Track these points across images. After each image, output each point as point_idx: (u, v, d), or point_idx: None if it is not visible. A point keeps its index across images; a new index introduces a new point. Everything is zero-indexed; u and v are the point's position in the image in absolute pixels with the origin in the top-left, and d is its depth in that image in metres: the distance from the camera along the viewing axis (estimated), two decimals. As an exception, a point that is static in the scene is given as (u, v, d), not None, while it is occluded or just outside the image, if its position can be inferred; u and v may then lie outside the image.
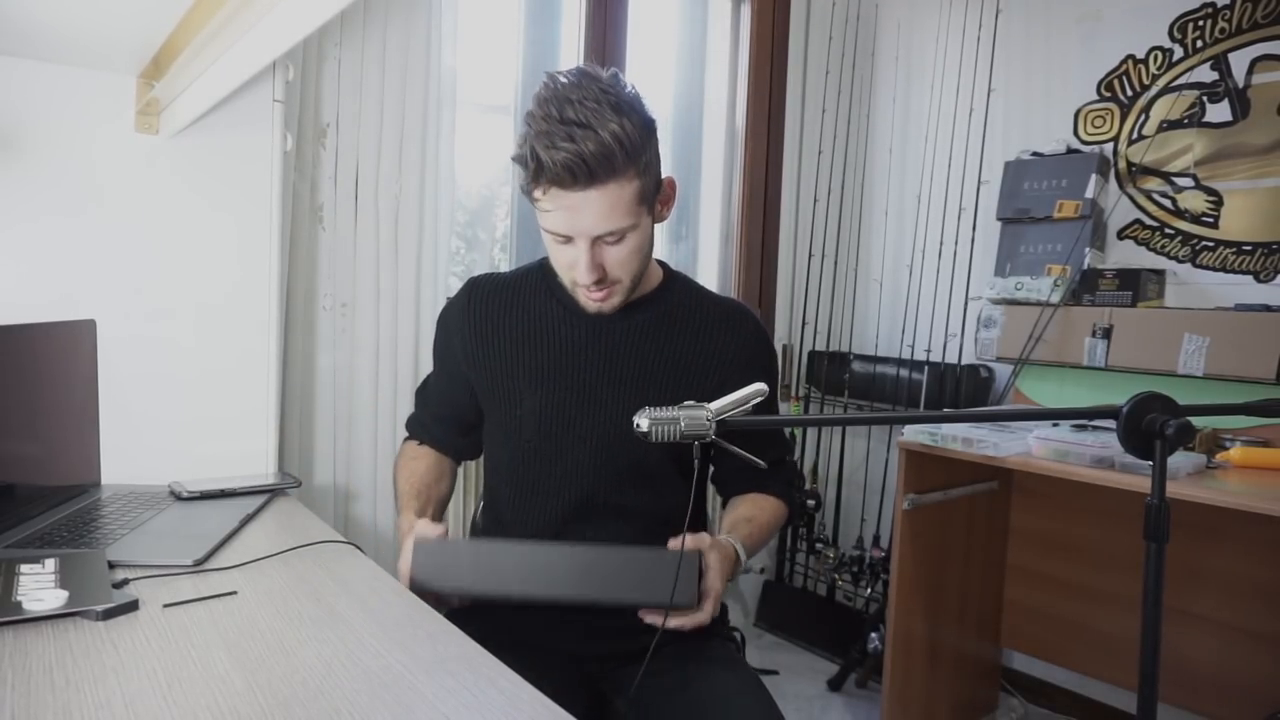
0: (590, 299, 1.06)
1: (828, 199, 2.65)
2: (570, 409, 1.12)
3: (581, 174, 0.94)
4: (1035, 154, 2.22)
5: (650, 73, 2.50)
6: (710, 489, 1.34)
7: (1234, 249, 1.96)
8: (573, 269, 1.03)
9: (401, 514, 1.16)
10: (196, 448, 1.41)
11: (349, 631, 0.85)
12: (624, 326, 1.14)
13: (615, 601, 0.97)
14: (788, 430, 2.60)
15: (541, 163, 0.94)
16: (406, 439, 1.30)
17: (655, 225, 1.08)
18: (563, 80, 0.97)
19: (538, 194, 0.98)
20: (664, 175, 1.07)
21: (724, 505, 1.27)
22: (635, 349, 1.14)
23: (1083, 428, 1.83)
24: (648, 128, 0.99)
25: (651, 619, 0.98)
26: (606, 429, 1.11)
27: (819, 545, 2.55)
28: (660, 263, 1.20)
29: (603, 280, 1.03)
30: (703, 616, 0.99)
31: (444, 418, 1.25)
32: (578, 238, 1.00)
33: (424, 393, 1.30)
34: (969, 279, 2.34)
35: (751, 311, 1.24)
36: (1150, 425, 0.77)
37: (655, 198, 1.05)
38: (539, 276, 1.18)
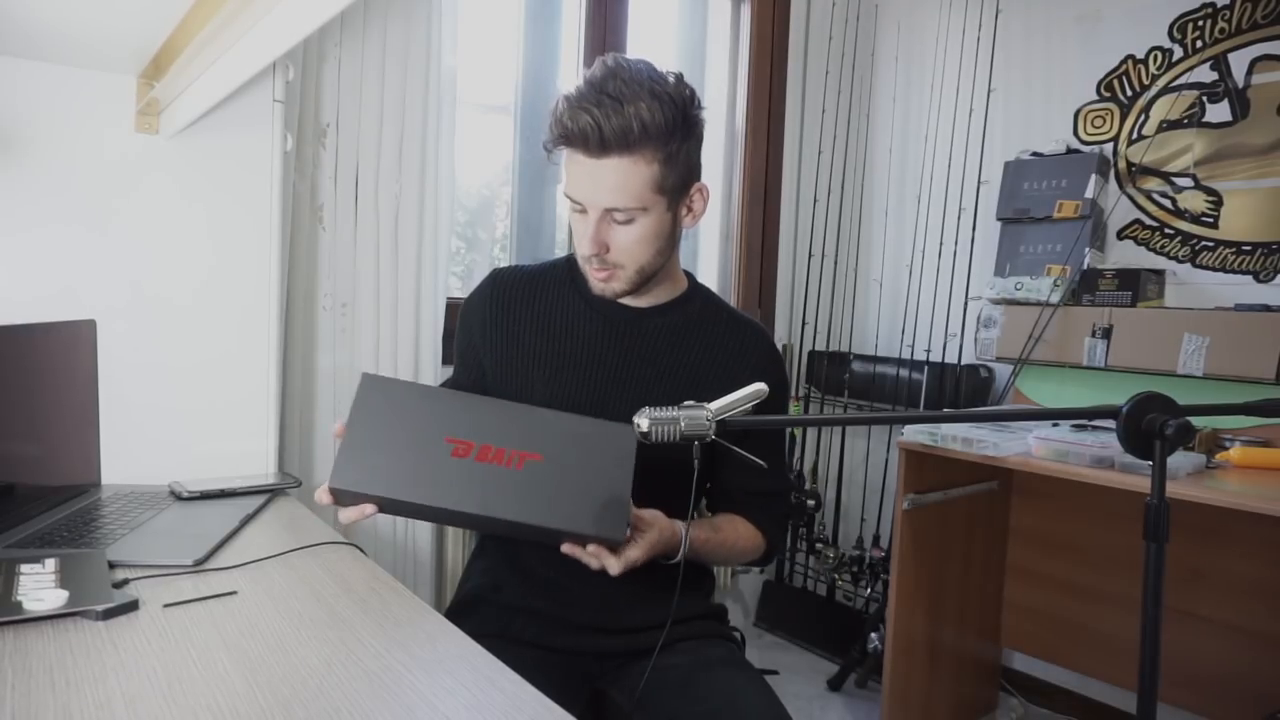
0: (594, 276, 1.09)
1: (828, 199, 2.65)
2: (581, 403, 1.12)
3: (594, 141, 0.97)
4: (1035, 154, 2.22)
5: (650, 73, 2.50)
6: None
7: (1234, 249, 1.96)
8: (582, 241, 1.06)
9: None
10: (196, 447, 1.41)
11: (349, 631, 0.84)
12: (643, 328, 1.15)
13: (544, 527, 0.91)
14: (789, 431, 2.60)
15: (564, 123, 0.99)
16: None
17: (681, 229, 1.10)
18: (621, 60, 1.01)
19: (559, 154, 1.03)
20: (701, 182, 1.09)
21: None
22: (651, 351, 1.14)
23: (1083, 428, 1.83)
24: (683, 123, 1.02)
25: (570, 549, 0.95)
26: None
27: (819, 545, 2.55)
28: (688, 274, 1.21)
29: (605, 259, 1.05)
30: (613, 567, 0.95)
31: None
32: (589, 208, 1.03)
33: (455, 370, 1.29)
34: (969, 279, 2.34)
35: (766, 330, 1.25)
36: (1150, 425, 0.77)
37: (680, 195, 1.06)
38: (564, 270, 1.19)
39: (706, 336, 1.17)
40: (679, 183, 1.04)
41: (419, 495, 0.88)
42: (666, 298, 1.16)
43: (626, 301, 1.14)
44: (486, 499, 0.89)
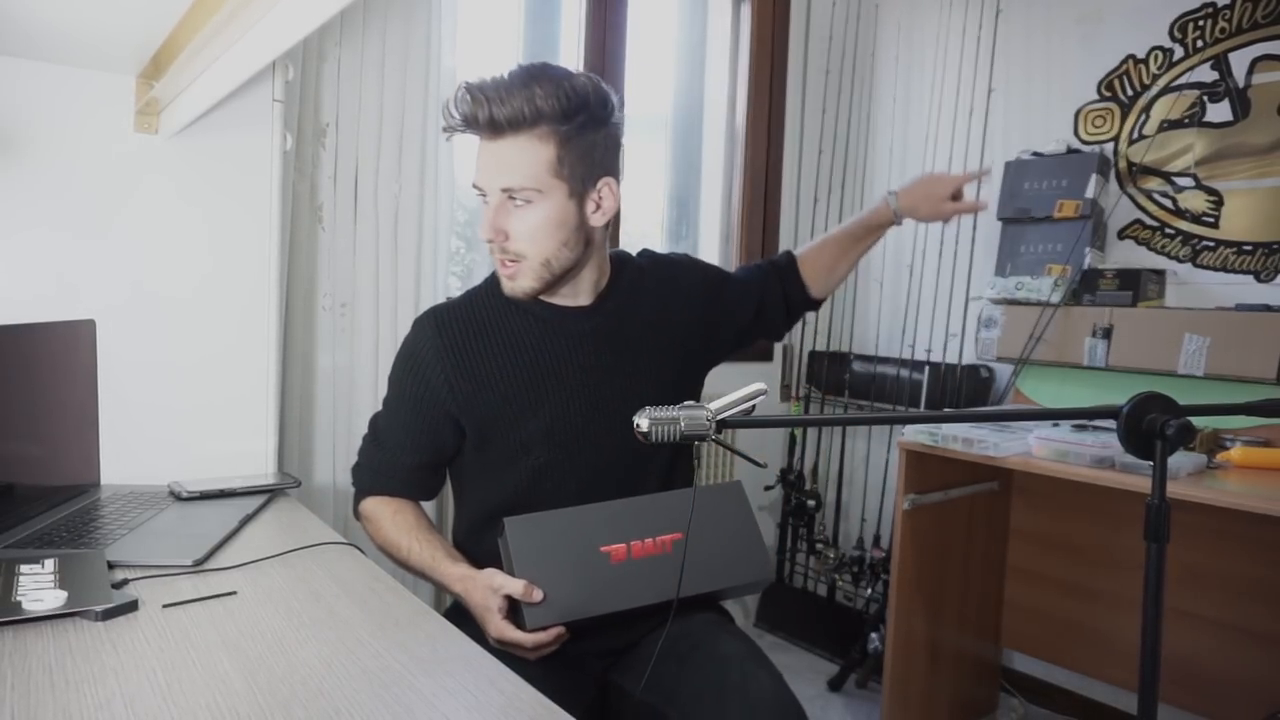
0: (502, 274, 1.10)
1: (828, 199, 2.65)
2: (575, 417, 1.12)
3: (483, 119, 1.01)
4: (1035, 154, 2.22)
5: (650, 73, 2.50)
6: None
7: (1234, 249, 1.96)
8: (482, 226, 1.08)
9: (437, 569, 1.09)
10: (196, 447, 1.41)
11: (349, 631, 0.84)
12: (594, 323, 1.15)
13: (710, 592, 1.04)
14: (789, 431, 2.60)
15: (459, 109, 1.02)
16: (365, 496, 1.21)
17: (592, 226, 1.09)
18: (525, 64, 1.04)
19: (455, 139, 1.08)
20: (618, 180, 1.09)
21: None
22: (618, 340, 1.16)
23: (1083, 428, 1.82)
24: (581, 111, 1.02)
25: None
26: (614, 426, 1.11)
27: (819, 545, 2.55)
28: (611, 254, 1.21)
29: (505, 248, 1.06)
30: None
31: (420, 464, 1.18)
32: (488, 191, 1.05)
33: (381, 439, 1.19)
34: (969, 279, 2.34)
35: (685, 255, 1.32)
36: (1150, 425, 0.77)
37: (584, 187, 1.06)
38: (499, 297, 1.15)
39: (649, 295, 1.20)
40: (583, 171, 1.05)
41: (607, 606, 0.99)
42: (602, 286, 1.17)
43: (566, 303, 1.14)
44: (656, 587, 1.00)
